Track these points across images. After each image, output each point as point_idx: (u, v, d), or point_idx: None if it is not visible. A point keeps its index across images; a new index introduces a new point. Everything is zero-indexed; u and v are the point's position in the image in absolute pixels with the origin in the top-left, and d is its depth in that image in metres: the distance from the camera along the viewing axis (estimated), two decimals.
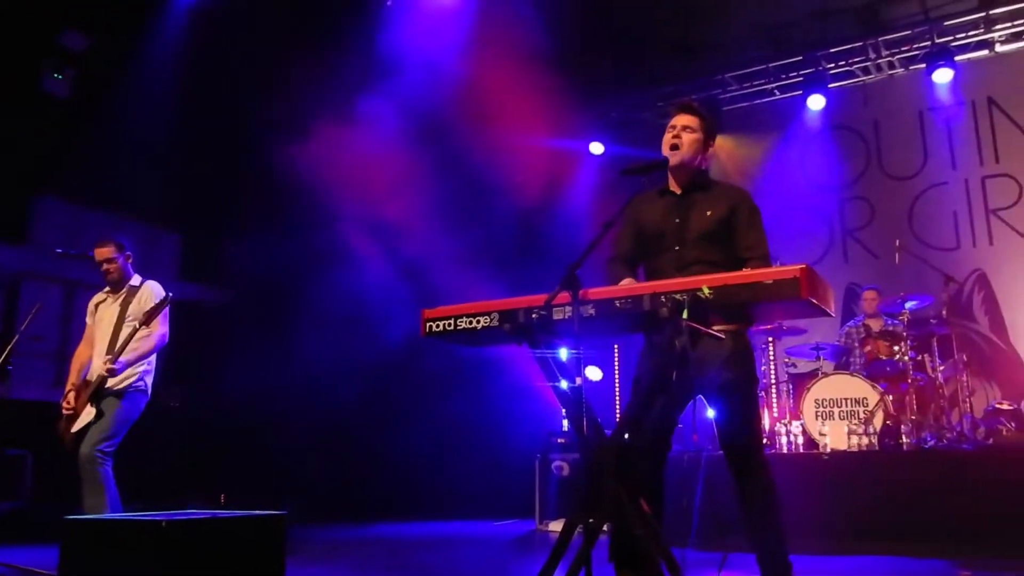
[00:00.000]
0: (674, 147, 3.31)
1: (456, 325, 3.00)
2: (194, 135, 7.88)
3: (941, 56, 8.22)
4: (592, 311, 2.75)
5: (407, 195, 7.70)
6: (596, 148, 9.69)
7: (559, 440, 7.34)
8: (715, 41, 8.90)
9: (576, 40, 7.95)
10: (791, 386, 6.92)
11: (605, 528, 2.70)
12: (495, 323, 2.91)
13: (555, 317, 2.80)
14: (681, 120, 3.33)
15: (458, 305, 3.02)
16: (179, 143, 7.69)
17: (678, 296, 2.59)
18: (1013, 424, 6.49)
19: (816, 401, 6.34)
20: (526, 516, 7.48)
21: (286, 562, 3.46)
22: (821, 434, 6.17)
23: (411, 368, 7.84)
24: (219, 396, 7.70)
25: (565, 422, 7.48)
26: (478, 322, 2.95)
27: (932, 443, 6.16)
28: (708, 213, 3.30)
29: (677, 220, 3.33)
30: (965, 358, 6.97)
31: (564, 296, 2.74)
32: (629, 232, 3.48)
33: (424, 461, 8.07)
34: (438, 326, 3.04)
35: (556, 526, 6.94)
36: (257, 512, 3.46)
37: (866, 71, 8.99)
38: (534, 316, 2.83)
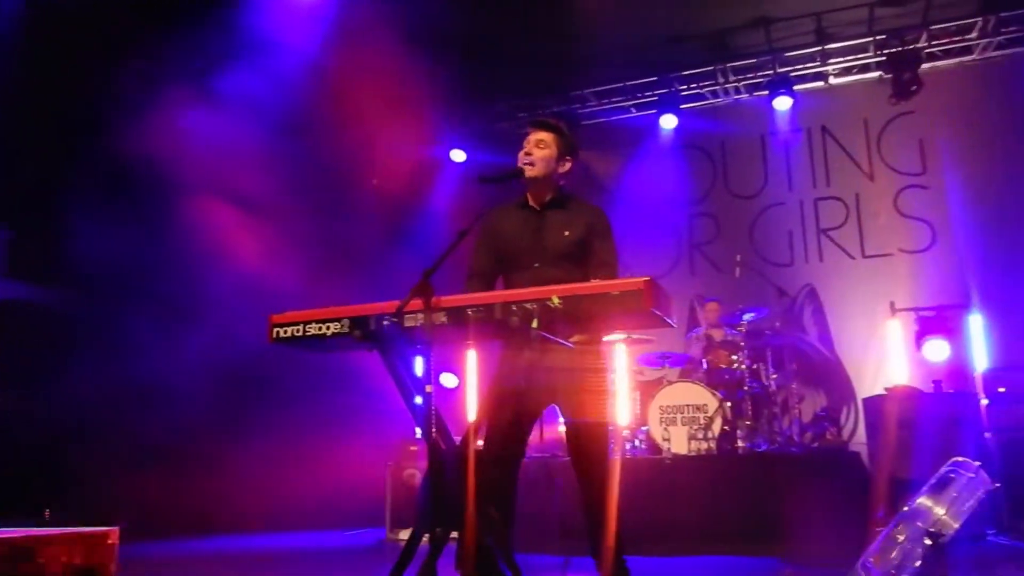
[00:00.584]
0: (528, 164, 3.37)
1: (305, 331, 2.92)
2: (25, 119, 7.28)
3: (782, 85, 8.78)
4: (444, 319, 2.75)
5: (262, 192, 7.44)
6: (458, 156, 9.73)
7: (412, 447, 7.28)
8: (577, 58, 9.11)
9: (440, 48, 7.94)
10: (639, 393, 7.17)
11: (454, 536, 2.70)
12: (345, 330, 2.86)
13: (407, 324, 2.78)
14: (535, 136, 3.38)
15: (307, 311, 2.94)
16: (7, 128, 7.09)
17: (528, 306, 2.63)
18: (836, 429, 6.99)
19: (661, 408, 6.60)
20: (376, 526, 7.38)
21: None
22: (664, 439, 6.43)
23: (259, 374, 7.56)
24: (47, 403, 7.15)
25: (418, 430, 7.42)
26: (328, 328, 2.88)
27: (764, 447, 6.55)
28: (566, 233, 3.38)
29: (535, 238, 3.39)
30: (795, 367, 7.45)
31: (416, 303, 2.72)
32: (486, 247, 3.51)
33: (271, 471, 7.80)
34: (286, 332, 2.95)
35: (407, 535, 6.87)
36: (84, 528, 3.24)
37: (715, 94, 9.49)
38: (385, 323, 2.80)
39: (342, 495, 7.80)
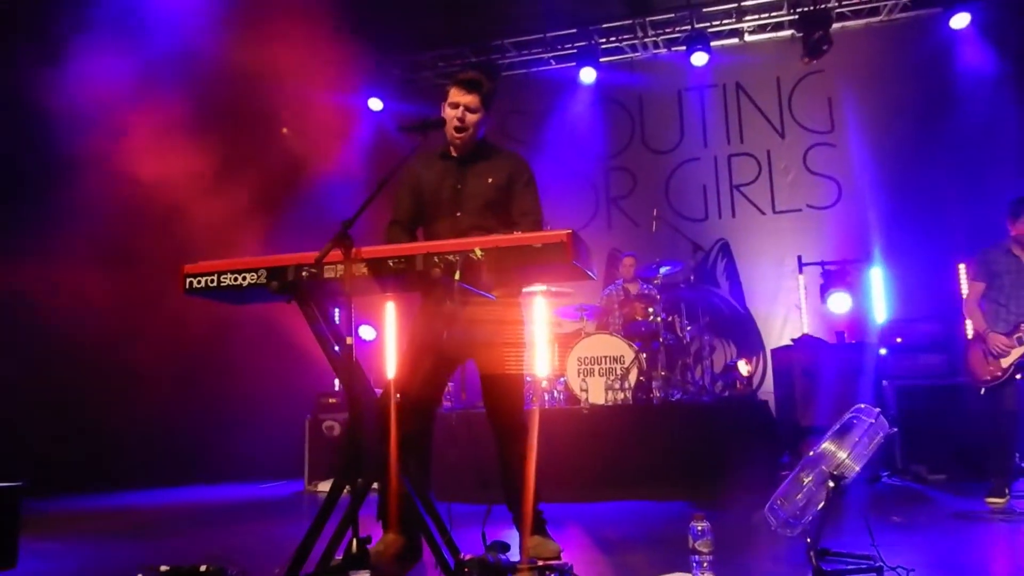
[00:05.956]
0: (459, 128, 3.34)
1: (220, 282, 2.84)
2: None
3: (699, 41, 8.85)
4: (365, 270, 2.71)
5: (169, 140, 7.11)
6: (375, 104, 9.53)
7: (330, 400, 7.24)
8: (496, 7, 9.00)
9: None
10: (557, 345, 7.26)
11: (374, 487, 2.70)
12: (262, 280, 2.79)
13: (326, 275, 2.74)
14: (464, 99, 3.35)
15: (222, 260, 2.86)
16: None
17: (451, 257, 2.62)
18: (745, 378, 7.26)
19: (579, 359, 6.71)
20: (295, 477, 7.34)
21: (19, 539, 3.15)
22: (582, 390, 6.55)
23: (171, 326, 7.32)
24: None
25: (336, 382, 7.37)
26: (244, 279, 2.81)
27: (678, 397, 6.75)
28: (489, 180, 3.38)
29: (457, 186, 3.38)
30: (708, 319, 7.66)
31: (336, 254, 2.67)
32: (408, 196, 3.49)
33: (188, 423, 7.63)
34: (200, 282, 2.87)
35: (325, 487, 6.86)
36: None
37: (633, 48, 9.51)
38: (304, 274, 2.75)
39: (260, 448, 7.71)
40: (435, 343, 3.13)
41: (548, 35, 9.36)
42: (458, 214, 3.33)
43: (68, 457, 7.17)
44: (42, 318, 6.95)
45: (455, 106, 3.35)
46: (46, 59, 6.77)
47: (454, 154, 3.46)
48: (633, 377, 6.58)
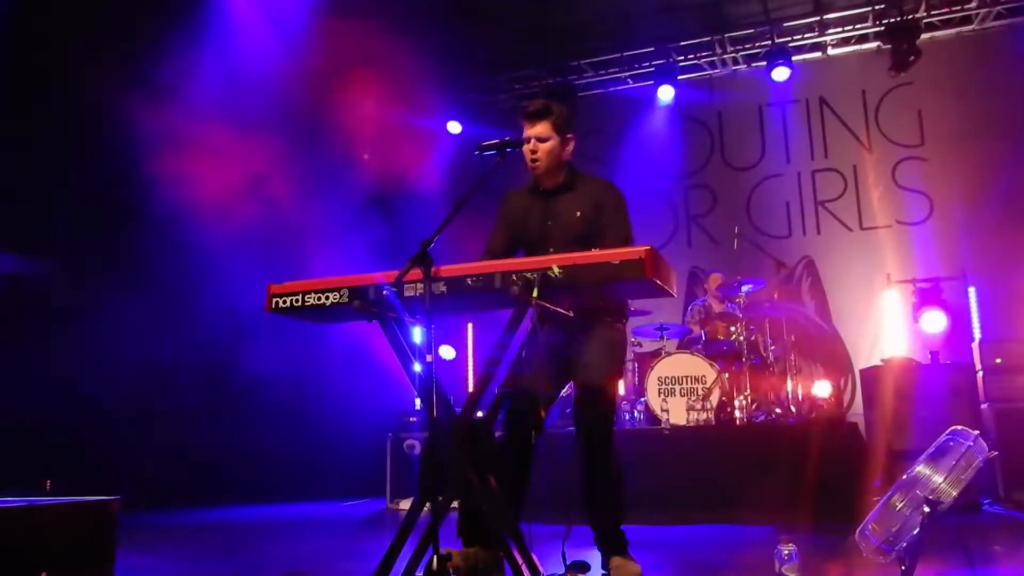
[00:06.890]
0: (533, 161, 3.34)
1: (304, 301, 2.92)
2: (4, 87, 7.10)
3: (780, 55, 8.70)
4: (444, 288, 2.74)
5: (254, 165, 7.37)
6: (454, 127, 9.67)
7: (411, 419, 7.32)
8: (572, 28, 9.04)
9: (435, 20, 7.86)
10: (636, 364, 7.18)
11: (455, 505, 2.71)
12: (344, 300, 2.85)
13: (406, 294, 2.77)
14: (532, 130, 3.34)
15: (306, 280, 2.93)
16: None
17: (529, 275, 2.62)
18: (832, 399, 7.02)
19: (659, 379, 6.62)
20: (377, 495, 7.43)
21: (116, 551, 3.27)
22: (663, 410, 6.44)
23: (256, 345, 7.55)
24: (41, 376, 7.11)
25: (417, 400, 7.45)
26: (327, 298, 2.88)
27: (762, 418, 6.58)
28: (577, 214, 3.36)
29: (547, 222, 3.38)
30: (793, 339, 7.45)
31: (416, 273, 2.71)
32: (503, 230, 3.52)
33: (271, 442, 7.83)
34: (285, 302, 2.94)
35: (407, 504, 6.93)
36: (84, 498, 3.24)
37: (712, 65, 9.42)
38: (385, 293, 2.79)
39: (343, 465, 7.84)
40: (535, 363, 3.13)
41: (625, 54, 9.35)
42: (551, 249, 3.29)
43: (163, 472, 7.43)
44: (139, 339, 7.25)
45: (527, 140, 3.35)
46: (152, 90, 7.11)
47: (542, 187, 3.46)
48: (715, 398, 6.46)
